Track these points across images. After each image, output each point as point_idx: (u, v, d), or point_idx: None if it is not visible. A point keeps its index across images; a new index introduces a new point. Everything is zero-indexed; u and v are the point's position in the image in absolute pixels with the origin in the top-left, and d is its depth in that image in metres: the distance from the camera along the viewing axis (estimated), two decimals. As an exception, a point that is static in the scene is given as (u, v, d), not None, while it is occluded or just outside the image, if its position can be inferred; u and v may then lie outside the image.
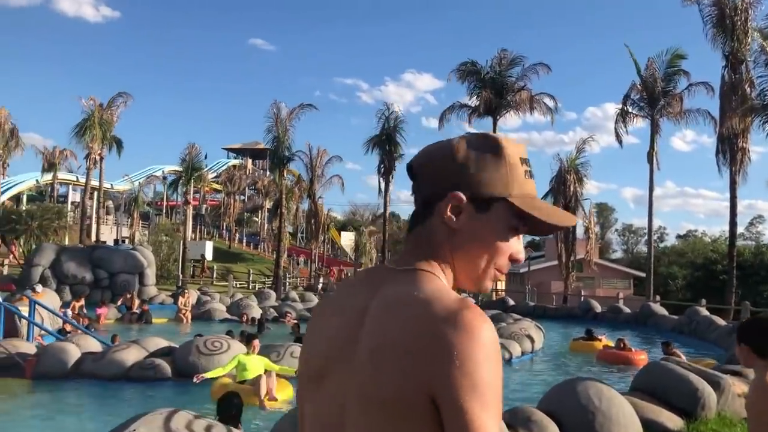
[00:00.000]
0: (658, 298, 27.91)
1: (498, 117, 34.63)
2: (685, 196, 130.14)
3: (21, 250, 35.21)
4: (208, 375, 8.80)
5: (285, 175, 37.73)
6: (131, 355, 9.64)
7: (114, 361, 9.45)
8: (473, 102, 34.62)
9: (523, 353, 14.10)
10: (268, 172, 69.10)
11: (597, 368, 14.34)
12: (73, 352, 9.71)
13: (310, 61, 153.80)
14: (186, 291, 20.64)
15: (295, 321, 18.51)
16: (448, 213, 1.06)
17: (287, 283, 38.24)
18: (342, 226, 72.87)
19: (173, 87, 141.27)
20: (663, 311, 23.54)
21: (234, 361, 8.97)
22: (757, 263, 42.79)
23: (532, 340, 14.62)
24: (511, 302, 26.68)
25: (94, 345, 10.86)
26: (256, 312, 20.51)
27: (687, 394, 6.81)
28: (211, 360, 9.54)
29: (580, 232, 33.98)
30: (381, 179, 35.21)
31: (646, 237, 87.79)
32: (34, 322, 11.86)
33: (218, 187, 69.88)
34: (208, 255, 49.14)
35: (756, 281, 41.46)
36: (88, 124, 31.82)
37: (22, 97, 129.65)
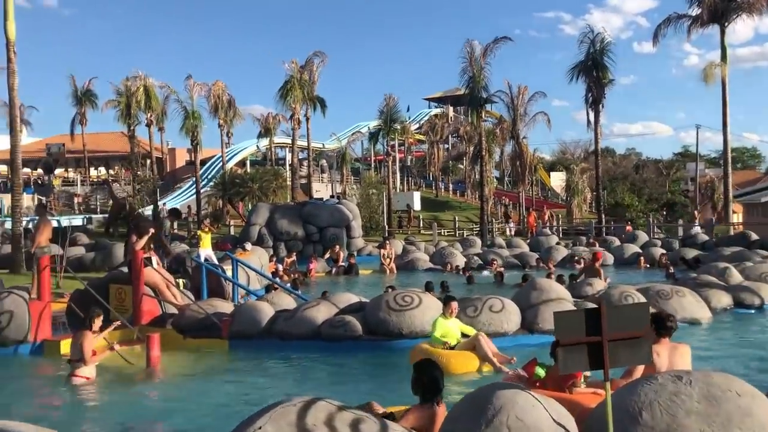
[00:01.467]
0: None
1: (726, 24, 29.76)
2: None
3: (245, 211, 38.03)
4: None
5: (483, 117, 36.16)
6: (321, 313, 9.17)
7: (304, 319, 9.06)
8: (694, 11, 30.07)
9: (778, 298, 11.59)
10: (469, 117, 68.04)
11: None
12: (266, 310, 9.50)
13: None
14: (387, 242, 20.40)
15: (501, 269, 17.37)
16: None
17: (495, 229, 37.05)
18: (551, 167, 69.66)
19: (375, 43, 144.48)
20: None
21: (437, 326, 8.10)
22: None
23: (790, 282, 11.98)
24: (755, 236, 22.87)
25: (290, 302, 10.66)
26: (460, 260, 19.68)
27: None
28: (402, 316, 8.74)
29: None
30: (589, 110, 32.16)
31: None
32: (235, 282, 12.03)
33: (422, 137, 70.22)
34: (416, 205, 49.62)
35: None
36: (289, 86, 32.94)
37: (244, 72, 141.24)
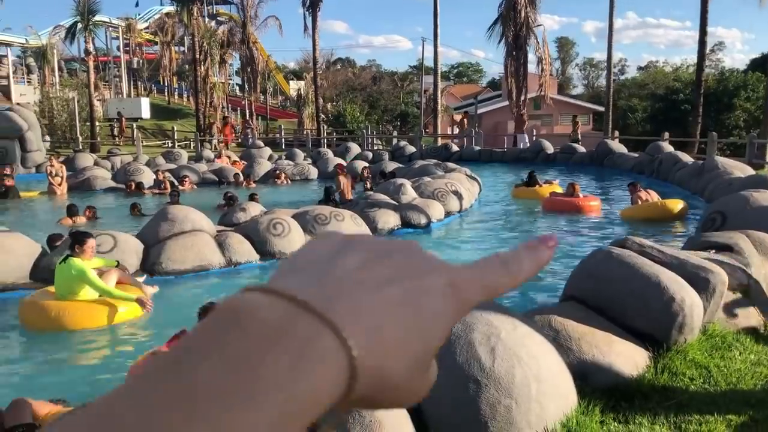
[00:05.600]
0: (616, 134, 25.21)
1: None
2: (646, 26, 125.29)
3: None
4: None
5: (196, 14, 32.78)
6: None
7: None
8: None
9: (448, 214, 11.33)
10: (207, 18, 62.76)
11: (543, 220, 11.88)
12: None
13: None
14: (53, 157, 17.03)
15: (181, 188, 15.45)
16: None
17: (217, 140, 34.62)
18: (298, 76, 68.14)
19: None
20: (622, 149, 20.93)
21: (87, 271, 5.97)
22: (720, 90, 40.25)
23: (460, 197, 11.79)
24: (455, 148, 23.74)
25: None
26: (147, 177, 17.23)
27: (655, 309, 3.99)
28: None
29: (533, 65, 30.42)
30: (306, 14, 30.62)
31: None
32: None
33: (153, 38, 63.81)
34: (144, 113, 45.19)
35: (719, 109, 39.21)
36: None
37: None
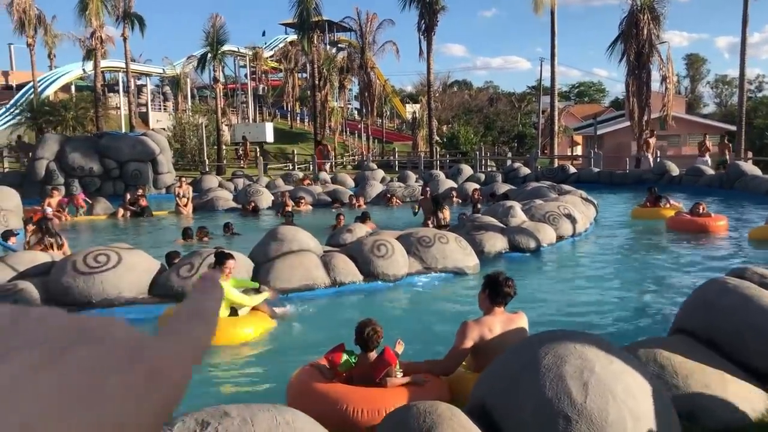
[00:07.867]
0: (750, 154, 23.46)
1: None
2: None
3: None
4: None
5: (316, 42, 33.93)
6: (-11, 278, 7.23)
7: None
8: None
9: (560, 238, 10.94)
10: (328, 45, 65.15)
11: (664, 242, 11.29)
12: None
13: None
14: (182, 179, 18.22)
15: (297, 209, 15.94)
16: None
17: (333, 164, 35.60)
18: (414, 99, 69.14)
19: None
20: (756, 171, 19.43)
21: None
22: None
23: (573, 221, 11.36)
24: (572, 170, 22.98)
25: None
26: (266, 199, 17.97)
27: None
28: (92, 280, 6.99)
29: (657, 84, 29.01)
30: (422, 38, 30.82)
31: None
32: None
33: (278, 66, 66.91)
34: (269, 137, 47.26)
35: None
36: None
37: None
